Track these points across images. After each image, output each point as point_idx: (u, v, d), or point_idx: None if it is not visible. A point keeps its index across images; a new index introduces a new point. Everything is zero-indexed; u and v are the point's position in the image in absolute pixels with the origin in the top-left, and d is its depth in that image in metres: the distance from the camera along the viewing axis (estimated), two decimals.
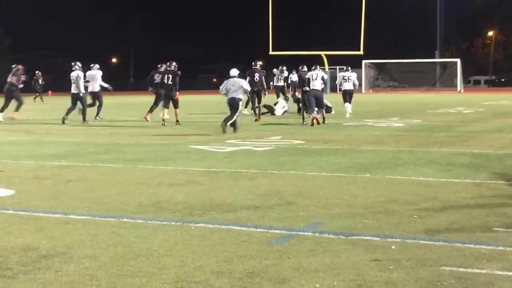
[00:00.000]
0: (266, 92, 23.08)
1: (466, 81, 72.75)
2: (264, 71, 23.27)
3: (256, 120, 21.18)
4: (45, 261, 5.20)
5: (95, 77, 23.00)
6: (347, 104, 22.84)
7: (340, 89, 24.90)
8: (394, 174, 9.33)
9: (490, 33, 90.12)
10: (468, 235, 5.82)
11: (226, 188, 8.38)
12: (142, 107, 24.37)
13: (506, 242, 5.57)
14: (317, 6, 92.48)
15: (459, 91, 60.27)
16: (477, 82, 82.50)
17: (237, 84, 17.19)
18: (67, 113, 21.20)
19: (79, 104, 21.36)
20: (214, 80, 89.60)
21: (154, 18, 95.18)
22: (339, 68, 61.48)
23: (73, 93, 21.35)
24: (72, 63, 22.01)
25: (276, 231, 6.05)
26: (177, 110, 19.87)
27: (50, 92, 53.82)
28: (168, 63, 20.25)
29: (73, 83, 21.39)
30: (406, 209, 6.92)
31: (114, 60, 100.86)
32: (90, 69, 22.96)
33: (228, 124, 16.62)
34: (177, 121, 19.82)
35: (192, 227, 6.23)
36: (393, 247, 5.46)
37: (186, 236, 5.90)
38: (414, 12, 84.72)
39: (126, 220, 6.57)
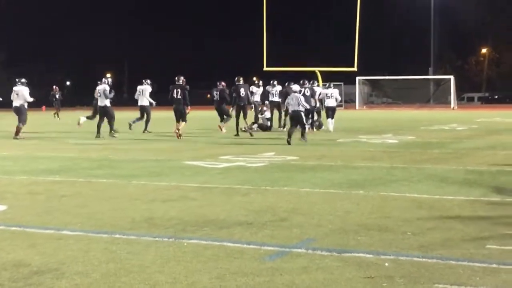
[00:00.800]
0: (253, 106, 23.85)
1: (459, 98, 73.00)
2: (248, 85, 23.62)
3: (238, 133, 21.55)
4: (37, 277, 5.16)
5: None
6: (329, 120, 23.93)
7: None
8: (387, 191, 9.33)
9: (484, 51, 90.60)
10: (462, 252, 5.81)
11: (219, 204, 8.36)
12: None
13: (499, 259, 5.56)
14: (312, 23, 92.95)
15: (453, 108, 60.45)
16: (471, 99, 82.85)
17: (296, 98, 18.50)
18: (110, 128, 21.73)
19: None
20: (208, 96, 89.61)
21: (149, 34, 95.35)
22: (333, 84, 61.67)
23: (101, 106, 21.72)
24: (104, 79, 22.37)
25: (269, 248, 6.03)
26: (183, 123, 20.67)
27: (44, 107, 53.68)
28: (176, 78, 21.06)
29: (99, 96, 21.72)
30: (399, 225, 6.91)
31: (108, 75, 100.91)
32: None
33: (292, 133, 18.16)
34: (180, 134, 20.43)
35: (185, 244, 6.21)
36: (386, 264, 5.45)
37: (178, 253, 5.88)
38: (408, 29, 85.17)
39: (119, 236, 6.54)
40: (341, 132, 23.00)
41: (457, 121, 32.86)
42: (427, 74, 75.18)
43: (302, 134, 18.49)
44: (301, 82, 24.07)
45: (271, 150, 16.11)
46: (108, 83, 21.79)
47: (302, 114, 18.63)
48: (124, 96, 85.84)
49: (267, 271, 5.27)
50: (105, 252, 5.92)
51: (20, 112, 21.26)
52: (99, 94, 21.74)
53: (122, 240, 6.36)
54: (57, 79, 74.44)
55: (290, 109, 18.65)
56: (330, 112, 24.10)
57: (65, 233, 6.71)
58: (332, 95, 24.22)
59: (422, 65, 78.12)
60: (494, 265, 5.38)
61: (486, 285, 4.85)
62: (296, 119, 18.50)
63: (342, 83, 61.95)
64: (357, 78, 63.67)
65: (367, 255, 5.71)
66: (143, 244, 6.23)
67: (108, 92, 21.39)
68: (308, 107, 19.62)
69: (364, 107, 65.41)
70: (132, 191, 9.58)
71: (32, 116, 27.04)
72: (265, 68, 46.57)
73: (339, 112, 24.64)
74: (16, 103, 21.30)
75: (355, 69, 46.74)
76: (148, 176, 11.21)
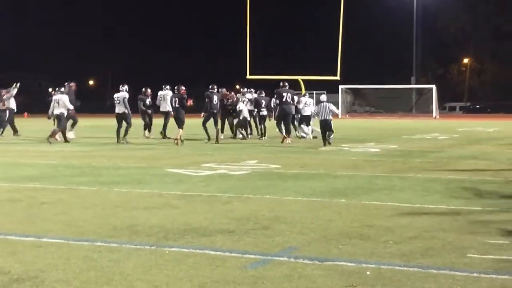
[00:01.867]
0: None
1: (441, 107, 73.42)
2: (221, 94, 23.84)
3: (208, 140, 21.79)
4: (17, 285, 5.13)
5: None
6: (303, 126, 24.88)
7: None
8: (369, 200, 9.35)
9: (466, 60, 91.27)
10: (443, 261, 5.83)
11: (202, 212, 8.34)
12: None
13: (480, 268, 5.58)
14: (295, 31, 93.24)
15: (435, 117, 60.73)
16: (453, 109, 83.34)
17: (327, 107, 20.52)
18: (117, 134, 22.36)
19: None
20: (191, 103, 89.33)
21: (133, 41, 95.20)
22: (316, 93, 61.71)
23: (118, 113, 22.42)
24: (121, 86, 23.07)
25: (251, 256, 6.02)
26: (181, 130, 21.38)
27: (26, 114, 53.51)
28: (176, 87, 22.09)
29: (118, 103, 22.43)
30: (381, 234, 6.93)
31: (91, 82, 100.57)
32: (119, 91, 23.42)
33: (327, 139, 20.39)
34: (179, 140, 21.16)
35: (167, 252, 6.19)
36: (368, 273, 5.45)
37: (160, 261, 5.86)
38: (391, 39, 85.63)
39: (100, 243, 6.51)
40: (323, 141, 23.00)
41: (439, 130, 33.04)
42: (409, 84, 75.58)
43: (329, 137, 20.41)
44: (258, 92, 24.91)
45: (253, 158, 16.11)
46: (126, 91, 22.64)
47: (331, 122, 20.47)
48: (108, 104, 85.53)
49: (249, 279, 5.27)
50: (86, 260, 5.88)
51: (60, 119, 22.15)
52: (118, 101, 22.42)
53: (103, 248, 6.33)
54: (39, 85, 74.08)
55: (321, 117, 20.53)
56: (306, 120, 24.76)
57: (46, 240, 6.66)
58: (307, 103, 24.72)
59: (405, 74, 78.56)
60: (475, 274, 5.40)
61: None
62: (326, 126, 20.41)
63: (325, 91, 62.16)
64: (340, 87, 63.87)
65: (349, 264, 5.72)
66: (125, 252, 6.20)
67: (127, 99, 22.33)
68: (337, 112, 22.13)
69: (347, 116, 65.57)
70: (114, 198, 9.54)
71: (19, 123, 26.94)
72: (248, 76, 46.62)
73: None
74: (57, 111, 22.17)
75: (338, 78, 46.89)
76: (130, 184, 11.17)
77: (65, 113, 22.16)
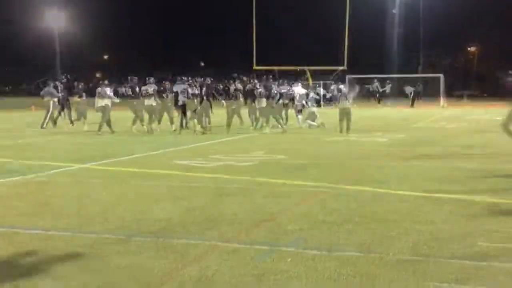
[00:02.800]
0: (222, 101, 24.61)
1: (449, 96, 73.16)
2: (209, 83, 23.96)
3: (203, 133, 21.62)
4: (26, 278, 5.13)
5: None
6: (299, 116, 26.03)
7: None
8: (377, 189, 9.31)
9: (473, 49, 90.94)
10: (452, 250, 5.81)
11: (209, 203, 8.33)
12: (123, 121, 24.27)
13: (489, 257, 5.55)
14: (302, 22, 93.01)
15: (442, 106, 60.52)
16: (460, 97, 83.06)
17: (347, 96, 22.25)
18: (150, 124, 22.98)
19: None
20: None
21: (140, 32, 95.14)
22: (323, 82, 61.58)
23: (148, 105, 23.03)
24: (147, 78, 23.82)
25: (259, 247, 6.01)
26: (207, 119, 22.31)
27: (33, 107, 53.52)
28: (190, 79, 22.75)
29: (149, 95, 23.04)
30: (390, 223, 6.90)
31: (98, 75, 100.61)
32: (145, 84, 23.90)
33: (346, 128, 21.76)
34: (201, 129, 21.98)
35: (175, 243, 6.18)
36: (376, 262, 5.43)
37: (168, 252, 5.85)
38: (398, 27, 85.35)
39: (108, 236, 6.50)
40: (330, 131, 22.99)
41: (446, 119, 32.93)
42: (416, 73, 75.36)
43: (348, 127, 21.70)
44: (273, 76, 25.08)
45: (260, 149, 16.09)
46: (154, 82, 23.38)
47: (350, 109, 22.03)
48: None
49: (258, 270, 5.25)
50: (93, 252, 5.88)
51: (104, 110, 22.65)
52: (151, 93, 22.96)
53: (111, 240, 6.32)
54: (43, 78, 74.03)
55: (340, 105, 22.27)
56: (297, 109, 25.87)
57: (53, 233, 6.67)
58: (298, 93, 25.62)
59: (411, 63, 78.37)
60: (485, 263, 5.38)
61: (477, 282, 4.85)
62: (345, 113, 21.89)
63: (332, 81, 61.98)
64: (347, 76, 63.69)
65: (358, 253, 5.70)
66: (133, 244, 6.19)
67: (156, 91, 23.13)
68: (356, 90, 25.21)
69: (354, 105, 65.43)
70: (121, 190, 9.53)
71: (27, 117, 27.00)
72: (255, 67, 46.54)
73: (330, 110, 24.94)
74: (101, 103, 22.75)
75: (344, 67, 46.75)
76: (137, 176, 11.16)
77: (110, 105, 22.65)
